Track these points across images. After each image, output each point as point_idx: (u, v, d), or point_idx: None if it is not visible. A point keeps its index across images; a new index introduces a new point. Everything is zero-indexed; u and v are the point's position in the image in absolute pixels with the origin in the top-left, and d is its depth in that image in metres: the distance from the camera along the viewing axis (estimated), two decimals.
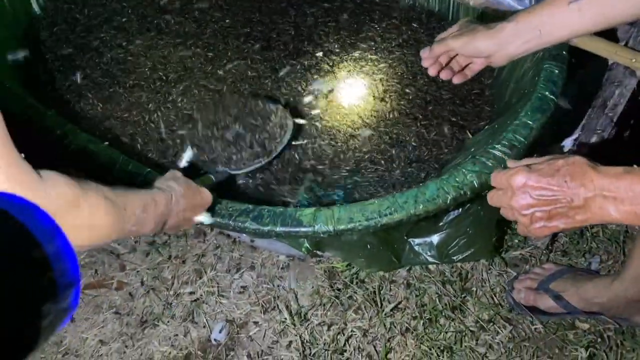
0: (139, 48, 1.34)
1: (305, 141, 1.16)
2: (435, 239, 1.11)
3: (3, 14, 1.33)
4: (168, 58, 1.32)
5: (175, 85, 1.27)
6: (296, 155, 1.15)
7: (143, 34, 1.38)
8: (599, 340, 1.12)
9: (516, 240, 1.25)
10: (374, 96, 1.22)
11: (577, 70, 1.12)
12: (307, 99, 1.22)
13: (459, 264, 1.21)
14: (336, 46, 1.34)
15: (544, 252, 1.23)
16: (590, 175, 0.65)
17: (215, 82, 1.27)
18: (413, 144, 1.15)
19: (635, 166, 0.64)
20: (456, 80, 1.00)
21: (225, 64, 1.31)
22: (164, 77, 1.28)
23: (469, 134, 1.16)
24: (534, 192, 0.68)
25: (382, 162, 1.13)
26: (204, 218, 0.86)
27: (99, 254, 1.28)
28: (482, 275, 1.21)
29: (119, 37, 1.37)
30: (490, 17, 1.17)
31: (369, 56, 1.31)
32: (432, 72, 1.00)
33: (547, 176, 0.67)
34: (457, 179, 0.93)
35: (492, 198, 0.75)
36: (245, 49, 1.34)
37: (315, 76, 1.27)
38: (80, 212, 0.56)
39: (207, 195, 0.86)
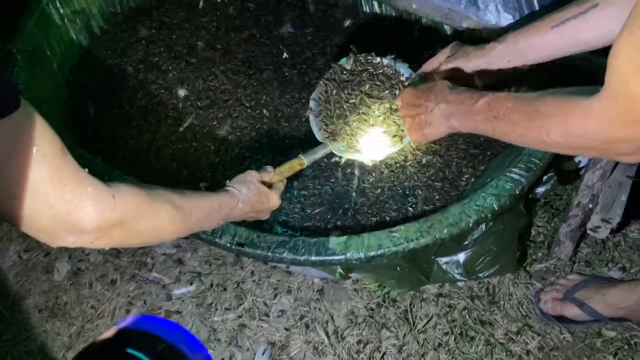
0: (171, 82, 1.44)
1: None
2: (461, 257, 1.18)
3: (45, 63, 1.44)
4: (198, 87, 1.42)
5: (209, 110, 1.37)
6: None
7: (174, 69, 1.47)
8: (627, 347, 1.16)
9: (540, 254, 1.30)
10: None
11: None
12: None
13: (486, 279, 1.26)
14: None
15: (568, 263, 1.28)
16: (446, 93, 0.91)
17: (250, 102, 1.37)
18: (437, 172, 1.20)
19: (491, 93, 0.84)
20: None
21: (259, 86, 1.40)
22: (198, 105, 1.38)
23: (485, 161, 1.21)
24: (407, 104, 0.98)
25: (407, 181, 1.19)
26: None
27: (146, 284, 1.38)
28: (509, 288, 1.26)
29: (151, 74, 1.47)
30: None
31: None
32: None
33: (418, 92, 0.96)
34: (477, 203, 0.99)
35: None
36: (277, 75, 1.42)
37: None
38: (145, 219, 0.66)
39: (275, 202, 0.96)
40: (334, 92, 1.12)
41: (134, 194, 0.64)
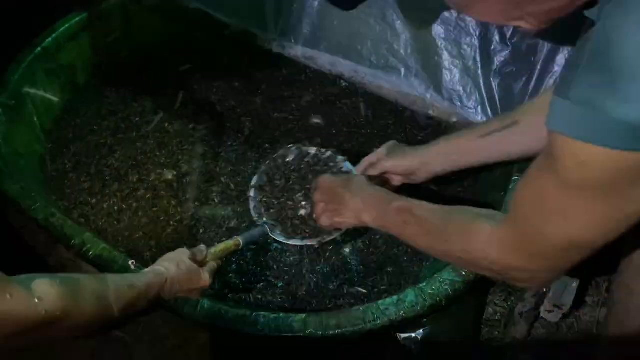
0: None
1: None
2: (419, 334, 1.21)
3: (25, 116, 1.47)
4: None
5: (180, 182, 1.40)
6: None
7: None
8: None
9: (496, 332, 1.33)
10: None
11: None
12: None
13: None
14: None
15: (522, 343, 1.32)
16: (364, 188, 0.96)
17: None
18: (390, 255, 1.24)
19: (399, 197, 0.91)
20: None
21: None
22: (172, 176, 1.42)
23: None
24: (324, 190, 1.01)
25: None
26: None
27: (108, 343, 1.37)
28: None
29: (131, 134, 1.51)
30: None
31: None
32: None
33: (337, 182, 1.01)
34: (433, 287, 1.03)
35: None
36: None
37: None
38: (68, 320, 0.66)
39: (205, 282, 0.94)
40: (277, 179, 1.17)
41: (57, 295, 0.64)
